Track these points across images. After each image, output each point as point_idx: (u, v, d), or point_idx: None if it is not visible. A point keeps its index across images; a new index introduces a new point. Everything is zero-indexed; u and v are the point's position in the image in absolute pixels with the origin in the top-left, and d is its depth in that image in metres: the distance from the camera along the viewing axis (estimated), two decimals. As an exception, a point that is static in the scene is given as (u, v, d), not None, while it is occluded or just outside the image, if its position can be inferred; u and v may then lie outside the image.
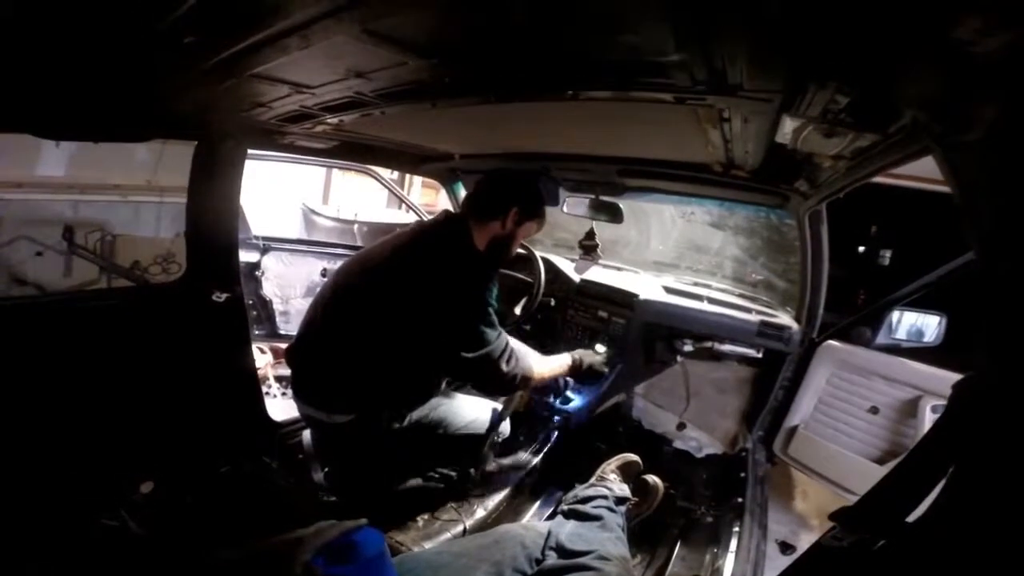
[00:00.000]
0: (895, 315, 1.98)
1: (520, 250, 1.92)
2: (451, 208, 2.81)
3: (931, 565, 0.62)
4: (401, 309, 1.49)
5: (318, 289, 3.40)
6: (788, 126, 0.87)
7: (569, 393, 2.20)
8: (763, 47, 0.68)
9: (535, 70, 0.92)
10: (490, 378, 1.57)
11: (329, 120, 1.51)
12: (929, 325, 1.96)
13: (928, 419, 1.81)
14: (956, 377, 0.67)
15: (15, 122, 1.40)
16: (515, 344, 1.67)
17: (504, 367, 1.54)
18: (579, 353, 1.93)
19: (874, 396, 1.98)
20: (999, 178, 0.53)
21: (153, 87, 1.26)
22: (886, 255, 5.20)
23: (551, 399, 2.19)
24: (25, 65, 1.05)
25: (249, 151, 1.81)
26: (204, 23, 0.82)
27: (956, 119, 0.55)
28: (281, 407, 2.40)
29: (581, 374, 1.94)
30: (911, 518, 0.66)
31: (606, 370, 2.01)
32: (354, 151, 2.13)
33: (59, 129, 1.47)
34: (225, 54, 0.96)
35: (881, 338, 2.00)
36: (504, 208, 1.60)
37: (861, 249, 5.33)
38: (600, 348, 2.05)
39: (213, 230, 1.82)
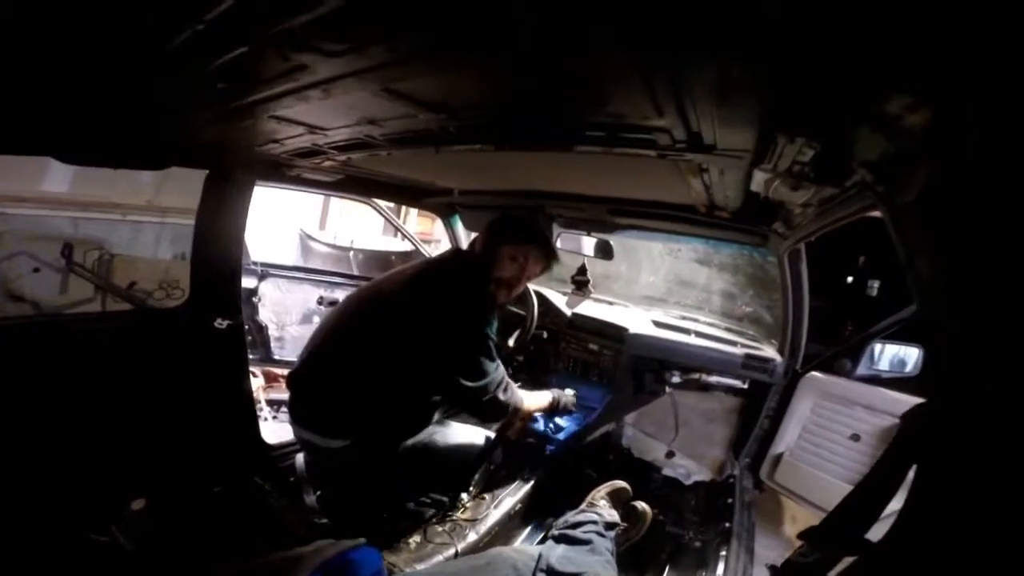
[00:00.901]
0: (876, 347, 2.05)
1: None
2: (447, 238, 2.90)
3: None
4: (408, 339, 1.56)
5: (315, 317, 3.48)
6: (759, 178, 0.97)
7: (560, 421, 2.26)
8: (733, 113, 0.78)
9: (532, 128, 1.02)
10: (487, 406, 1.65)
11: (337, 157, 1.59)
12: (909, 356, 2.02)
13: (906, 444, 1.87)
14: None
15: (40, 146, 1.47)
16: None
17: (501, 396, 1.64)
18: (556, 393, 2.07)
19: (855, 424, 2.05)
20: (929, 236, 0.62)
21: (177, 121, 1.34)
22: (874, 286, 5.27)
23: (542, 427, 2.25)
24: (54, 93, 1.11)
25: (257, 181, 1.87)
26: (239, 74, 0.90)
27: (892, 182, 0.64)
28: (272, 430, 2.41)
29: (557, 411, 2.10)
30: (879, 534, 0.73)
31: (575, 410, 2.17)
32: (358, 185, 2.20)
33: (81, 154, 1.52)
34: (250, 99, 1.05)
35: (862, 369, 2.08)
36: (473, 241, 1.73)
37: (849, 280, 5.40)
38: (570, 391, 2.17)
39: (218, 258, 1.87)
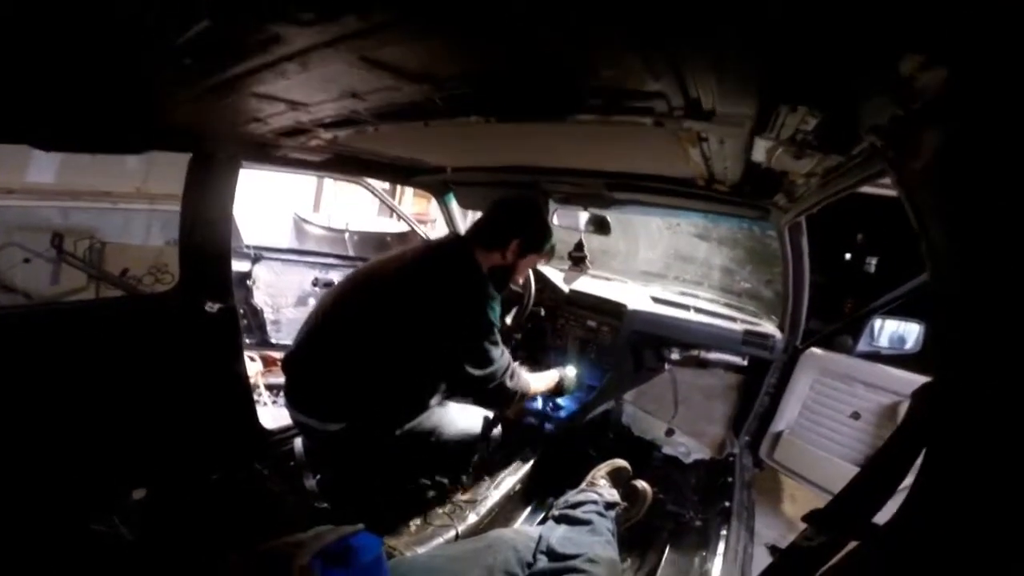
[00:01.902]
0: (876, 323, 2.03)
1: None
2: (442, 219, 2.86)
3: (894, 565, 0.66)
4: (403, 325, 1.53)
5: (311, 299, 3.46)
6: (761, 147, 0.93)
7: (560, 400, 2.25)
8: (731, 79, 0.73)
9: (523, 97, 0.97)
10: (494, 394, 1.64)
11: (323, 135, 1.54)
12: (910, 333, 2.01)
13: (907, 423, 1.86)
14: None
15: (14, 134, 1.43)
16: None
17: (508, 383, 1.63)
18: (562, 371, 2.07)
19: (856, 402, 2.04)
20: (942, 203, 0.58)
21: (152, 102, 1.29)
22: (872, 263, 5.27)
23: (540, 406, 2.24)
24: (26, 78, 1.07)
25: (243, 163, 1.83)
26: (207, 48, 0.86)
27: (903, 147, 0.61)
28: (271, 415, 2.41)
29: (562, 392, 2.09)
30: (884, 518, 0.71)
31: (575, 391, 2.15)
32: (347, 164, 2.16)
33: (56, 141, 1.48)
34: (225, 75, 1.00)
35: (862, 345, 2.06)
36: (505, 240, 1.65)
37: (847, 257, 5.41)
38: (572, 369, 2.14)
39: (206, 241, 1.83)
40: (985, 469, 0.57)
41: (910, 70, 0.55)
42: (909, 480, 0.68)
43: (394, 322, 1.55)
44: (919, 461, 0.66)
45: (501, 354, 1.61)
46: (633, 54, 0.67)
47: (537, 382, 1.87)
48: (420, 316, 1.53)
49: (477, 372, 1.56)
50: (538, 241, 1.71)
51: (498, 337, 1.60)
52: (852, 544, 0.72)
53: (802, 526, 0.79)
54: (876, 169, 0.85)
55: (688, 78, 0.74)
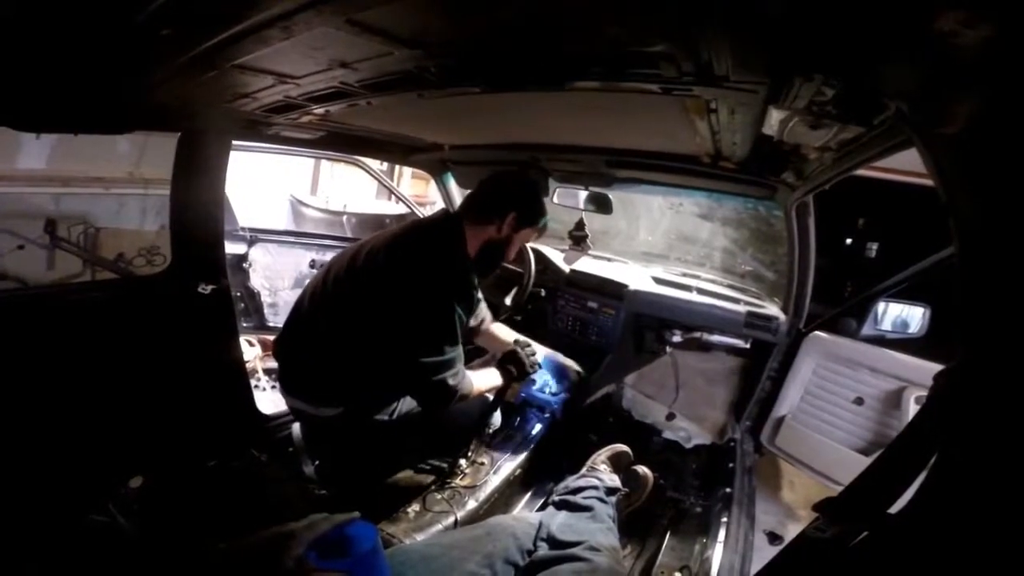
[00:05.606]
0: (880, 306, 1.99)
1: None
2: (441, 199, 2.80)
3: (911, 556, 0.63)
4: (385, 305, 1.48)
5: (307, 281, 3.41)
6: (774, 117, 0.88)
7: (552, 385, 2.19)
8: (746, 40, 0.68)
9: (521, 62, 0.92)
10: (432, 389, 1.53)
11: (315, 110, 1.49)
12: (914, 316, 1.98)
13: (912, 410, 1.83)
14: (940, 368, 0.68)
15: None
16: None
17: (450, 381, 1.51)
18: (508, 361, 1.84)
19: (859, 387, 2.01)
20: (976, 172, 0.54)
21: (131, 79, 1.23)
22: (873, 247, 5.26)
23: (535, 392, 2.19)
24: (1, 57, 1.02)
25: (235, 142, 1.79)
26: (180, 16, 0.80)
27: (935, 112, 0.56)
28: (270, 400, 2.38)
29: (511, 374, 1.85)
30: (895, 509, 0.67)
31: (539, 366, 1.93)
32: (342, 142, 2.10)
33: (37, 121, 1.43)
34: (204, 46, 0.94)
35: (867, 329, 2.02)
36: (501, 212, 1.57)
37: (848, 241, 5.40)
38: (532, 343, 1.91)
39: (198, 222, 1.80)
40: (1014, 457, 0.53)
41: (948, 28, 0.50)
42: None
43: (377, 301, 1.49)
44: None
45: (454, 350, 1.51)
46: (640, 8, 0.62)
47: (480, 383, 1.70)
48: (398, 294, 1.47)
49: (424, 360, 1.47)
50: (533, 215, 1.63)
51: (458, 334, 1.50)
52: (863, 535, 0.69)
53: (801, 513, 0.76)
54: (898, 140, 0.80)
55: (699, 38, 0.68)
